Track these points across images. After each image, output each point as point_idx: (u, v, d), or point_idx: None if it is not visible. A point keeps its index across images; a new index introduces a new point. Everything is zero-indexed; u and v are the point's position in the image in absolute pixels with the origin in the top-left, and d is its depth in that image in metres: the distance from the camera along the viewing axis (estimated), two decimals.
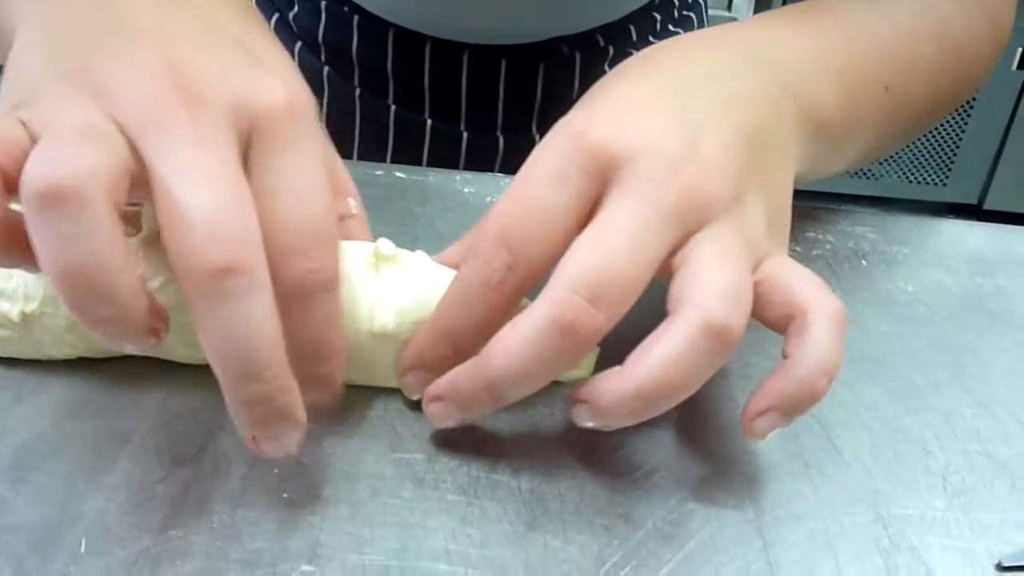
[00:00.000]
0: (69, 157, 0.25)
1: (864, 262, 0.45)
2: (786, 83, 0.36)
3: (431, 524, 0.29)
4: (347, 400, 0.34)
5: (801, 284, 0.30)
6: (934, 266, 0.45)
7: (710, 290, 0.28)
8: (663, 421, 0.33)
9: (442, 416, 0.31)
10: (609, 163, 0.30)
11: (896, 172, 2.20)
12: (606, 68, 0.61)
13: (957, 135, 2.13)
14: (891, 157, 2.17)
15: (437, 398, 0.30)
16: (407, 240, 0.35)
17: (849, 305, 0.41)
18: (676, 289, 0.29)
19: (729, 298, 0.28)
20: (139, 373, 0.33)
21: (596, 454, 0.32)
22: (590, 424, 0.29)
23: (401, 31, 0.59)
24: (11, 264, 0.28)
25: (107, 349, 0.34)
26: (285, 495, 0.29)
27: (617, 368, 0.28)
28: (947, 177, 2.19)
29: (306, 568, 0.27)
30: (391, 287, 0.33)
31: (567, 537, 0.29)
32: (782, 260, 0.32)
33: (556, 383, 0.35)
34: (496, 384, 0.29)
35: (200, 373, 0.34)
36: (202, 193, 0.26)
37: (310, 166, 0.29)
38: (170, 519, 0.28)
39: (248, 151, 0.28)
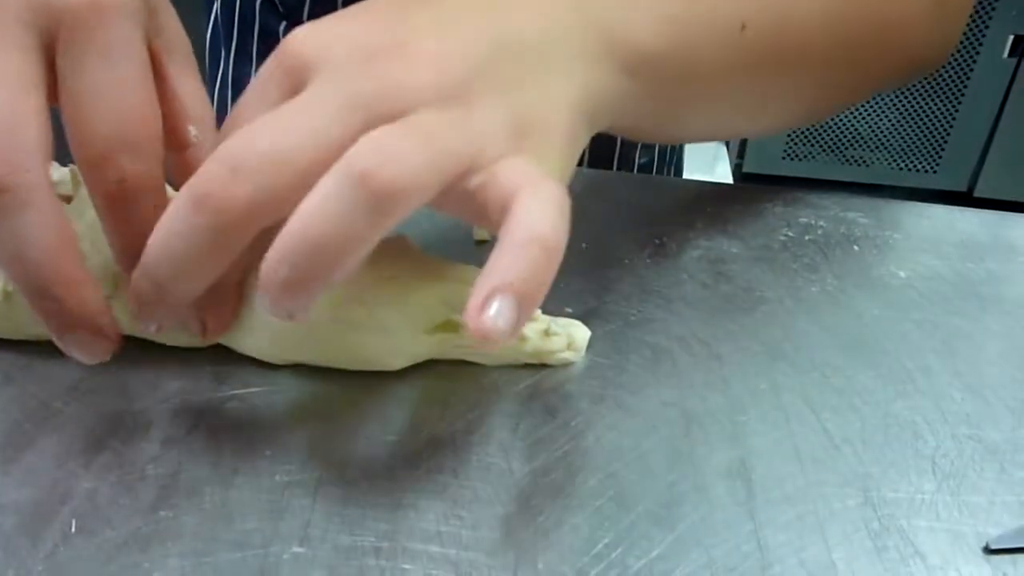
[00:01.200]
0: None
1: (856, 247, 0.45)
2: (591, 15, 0.34)
3: (423, 506, 0.29)
4: (337, 383, 0.34)
5: (519, 176, 0.28)
6: (926, 251, 0.45)
7: (363, 143, 0.26)
8: (656, 403, 0.33)
9: (137, 318, 0.29)
10: (301, 67, 0.29)
11: (886, 159, 2.20)
12: None
13: (948, 123, 2.14)
14: (881, 144, 2.17)
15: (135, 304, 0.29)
16: None
17: (841, 290, 0.42)
18: None
19: (382, 148, 0.26)
20: (128, 355, 0.33)
21: (587, 437, 0.32)
22: (271, 312, 0.27)
23: None
24: None
25: None
26: (277, 477, 0.29)
27: None
28: (937, 165, 2.20)
29: (297, 549, 0.27)
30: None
31: (558, 519, 0.29)
32: (512, 160, 0.29)
33: (544, 365, 0.35)
34: (153, 274, 0.28)
35: (189, 354, 0.34)
36: None
37: (119, 69, 0.28)
38: (161, 500, 0.28)
39: (56, 52, 0.28)
